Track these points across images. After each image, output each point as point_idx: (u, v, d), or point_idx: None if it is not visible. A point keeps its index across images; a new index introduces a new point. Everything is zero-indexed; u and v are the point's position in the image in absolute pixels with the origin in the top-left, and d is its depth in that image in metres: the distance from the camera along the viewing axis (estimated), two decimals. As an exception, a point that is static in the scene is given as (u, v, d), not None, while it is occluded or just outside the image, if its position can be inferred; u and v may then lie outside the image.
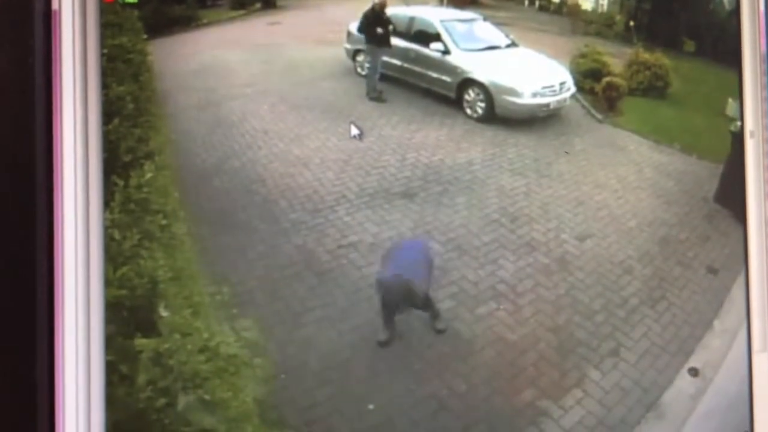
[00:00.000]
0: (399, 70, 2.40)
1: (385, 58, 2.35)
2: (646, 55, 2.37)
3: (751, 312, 1.69)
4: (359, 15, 2.23)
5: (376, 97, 2.34)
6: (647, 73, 2.39)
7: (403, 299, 1.87)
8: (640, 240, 2.11)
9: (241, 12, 2.35)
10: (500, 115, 2.37)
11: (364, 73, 2.40)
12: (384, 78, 2.36)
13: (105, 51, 1.59)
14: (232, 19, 2.33)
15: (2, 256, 1.50)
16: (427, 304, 1.92)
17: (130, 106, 1.76)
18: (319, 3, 2.46)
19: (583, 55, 2.37)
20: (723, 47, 1.92)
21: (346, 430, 1.73)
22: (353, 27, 2.33)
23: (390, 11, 2.27)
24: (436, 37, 2.42)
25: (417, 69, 2.41)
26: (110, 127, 1.64)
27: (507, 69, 2.43)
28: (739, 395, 1.68)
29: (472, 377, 1.82)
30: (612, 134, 2.41)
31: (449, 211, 2.15)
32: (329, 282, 1.97)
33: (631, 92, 2.39)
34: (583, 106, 2.42)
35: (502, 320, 1.93)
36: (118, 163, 1.68)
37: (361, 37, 2.31)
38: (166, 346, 1.61)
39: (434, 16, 2.43)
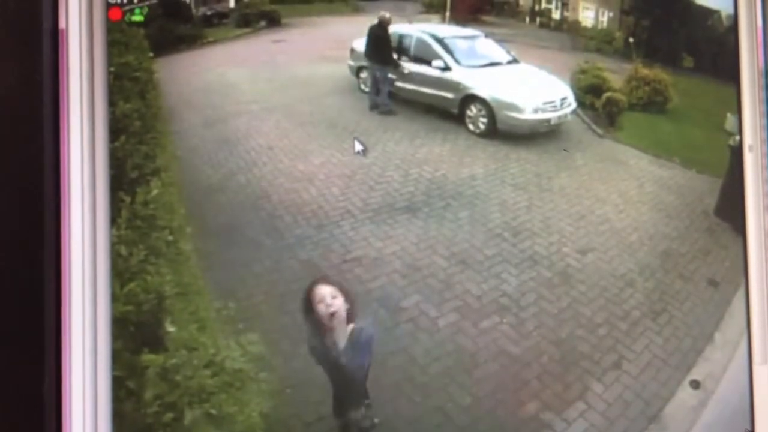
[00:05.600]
0: (401, 87, 2.41)
1: (389, 75, 2.37)
2: (645, 71, 2.37)
3: (751, 324, 1.70)
4: (363, 33, 2.26)
5: (387, 111, 2.35)
6: (647, 88, 2.39)
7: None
8: (642, 253, 2.11)
9: (246, 30, 2.35)
10: (502, 131, 2.38)
11: (367, 89, 2.41)
12: (388, 94, 2.38)
13: (112, 69, 1.61)
14: (237, 37, 2.33)
15: (10, 272, 1.51)
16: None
17: (137, 123, 1.77)
18: (323, 21, 2.47)
19: (583, 71, 2.38)
20: (721, 62, 1.92)
21: (352, 443, 1.73)
22: (357, 44, 2.35)
23: (392, 28, 2.29)
24: (438, 54, 2.43)
25: (419, 85, 2.42)
26: (117, 144, 1.64)
27: (508, 85, 2.44)
28: (740, 407, 1.69)
29: (476, 390, 1.82)
30: (612, 149, 2.42)
31: (452, 226, 2.16)
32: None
33: (631, 107, 2.39)
34: (584, 122, 2.42)
35: (505, 333, 1.93)
36: (125, 179, 1.68)
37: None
38: (173, 361, 1.61)
39: (437, 34, 2.44)
